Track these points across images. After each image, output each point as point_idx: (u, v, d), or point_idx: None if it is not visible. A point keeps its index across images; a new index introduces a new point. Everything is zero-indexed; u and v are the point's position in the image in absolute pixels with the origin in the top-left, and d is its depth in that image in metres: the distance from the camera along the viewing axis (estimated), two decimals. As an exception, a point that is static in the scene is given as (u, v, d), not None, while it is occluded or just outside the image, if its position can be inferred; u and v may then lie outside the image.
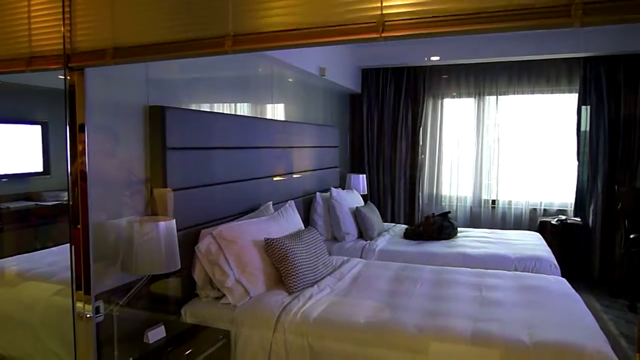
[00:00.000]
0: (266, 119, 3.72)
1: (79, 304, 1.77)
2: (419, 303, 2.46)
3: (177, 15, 1.35)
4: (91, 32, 1.47)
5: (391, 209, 5.83)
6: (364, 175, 5.48)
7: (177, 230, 2.15)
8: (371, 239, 4.13)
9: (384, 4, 1.12)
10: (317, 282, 2.68)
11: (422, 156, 5.74)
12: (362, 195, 5.01)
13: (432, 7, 1.09)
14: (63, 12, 1.48)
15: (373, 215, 4.41)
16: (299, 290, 2.53)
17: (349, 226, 4.13)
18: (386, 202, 5.79)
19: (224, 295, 2.42)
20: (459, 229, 4.54)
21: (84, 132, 1.69)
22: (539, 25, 1.10)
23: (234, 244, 2.51)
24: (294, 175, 3.99)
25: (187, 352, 2.09)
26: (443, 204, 5.72)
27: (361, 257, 3.66)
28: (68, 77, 1.56)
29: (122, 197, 2.26)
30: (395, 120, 5.71)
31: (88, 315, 1.76)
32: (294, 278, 2.54)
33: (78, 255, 1.75)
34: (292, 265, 2.56)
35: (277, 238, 2.67)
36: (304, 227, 3.23)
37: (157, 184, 2.38)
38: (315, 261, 2.77)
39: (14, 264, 2.61)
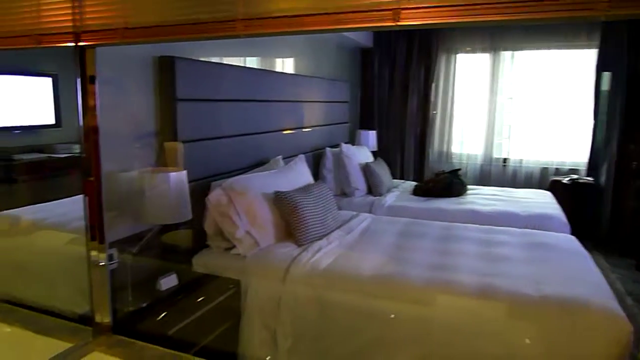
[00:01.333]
0: (276, 71, 3.66)
1: (94, 252, 1.80)
2: (426, 257, 2.48)
3: None
4: (102, 10, 1.42)
5: (400, 165, 5.80)
6: (374, 132, 5.43)
7: (188, 182, 2.16)
8: (380, 195, 4.13)
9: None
10: (326, 235, 2.71)
11: (434, 112, 5.66)
12: (371, 152, 4.98)
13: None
14: None
15: (382, 171, 4.39)
16: (307, 243, 2.56)
17: (359, 182, 4.13)
18: (396, 158, 5.76)
19: (234, 246, 2.46)
20: (468, 186, 4.53)
21: (94, 84, 1.67)
22: (566, 17, 1.02)
23: (244, 196, 2.52)
24: (304, 130, 3.96)
25: (199, 300, 2.14)
26: (453, 161, 5.68)
27: (370, 213, 3.68)
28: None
29: (133, 149, 2.26)
30: (406, 76, 5.60)
31: (102, 263, 1.80)
32: (303, 231, 2.57)
33: (91, 206, 1.77)
34: (301, 218, 2.58)
35: (286, 191, 2.67)
36: (313, 181, 3.23)
37: (167, 136, 2.37)
38: (325, 215, 2.78)
39: (27, 213, 2.65)
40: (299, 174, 3.12)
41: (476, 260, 2.47)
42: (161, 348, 1.59)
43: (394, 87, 5.67)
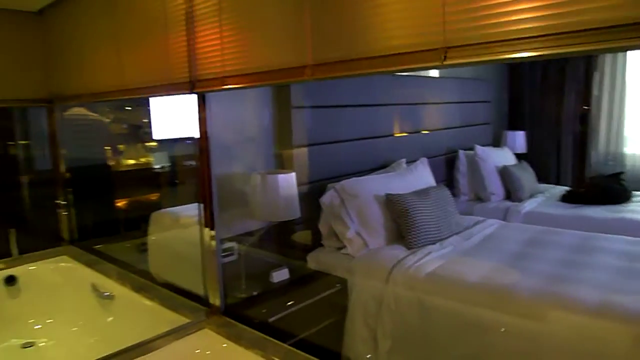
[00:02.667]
0: (403, 75, 3.67)
1: (210, 245, 2.08)
2: (547, 268, 2.27)
3: (263, 49, 1.48)
4: (208, 64, 1.68)
5: (556, 168, 5.26)
6: (522, 132, 5.03)
7: (305, 184, 2.34)
8: (520, 201, 3.83)
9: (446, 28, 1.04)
10: (440, 240, 2.65)
11: (597, 108, 5.00)
12: (520, 154, 4.63)
13: (501, 30, 0.96)
14: (188, 49, 1.73)
15: (524, 174, 4.07)
16: (418, 247, 2.54)
17: (495, 186, 3.89)
18: (549, 161, 5.25)
19: (345, 245, 2.56)
20: (635, 192, 3.92)
21: (205, 108, 1.93)
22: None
23: (356, 198, 2.61)
24: (433, 132, 3.89)
25: (306, 294, 2.29)
26: (626, 164, 4.93)
27: (504, 219, 3.45)
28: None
29: (252, 154, 2.53)
30: (561, 68, 5.05)
31: (223, 255, 2.07)
32: (414, 234, 2.55)
33: (205, 206, 2.04)
34: (412, 221, 2.57)
35: (398, 194, 2.69)
36: (435, 185, 3.17)
37: (284, 142, 2.59)
38: (441, 219, 2.72)
39: (185, 211, 3.13)
40: (418, 177, 3.09)
41: (608, 274, 2.17)
42: (260, 333, 1.77)
43: (546, 82, 5.18)
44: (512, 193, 3.92)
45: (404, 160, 3.26)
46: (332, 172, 2.83)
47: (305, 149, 2.66)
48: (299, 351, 1.64)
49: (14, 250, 2.67)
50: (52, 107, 2.80)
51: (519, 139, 4.97)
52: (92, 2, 2.24)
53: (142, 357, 1.66)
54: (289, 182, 2.27)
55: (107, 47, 2.19)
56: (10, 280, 2.52)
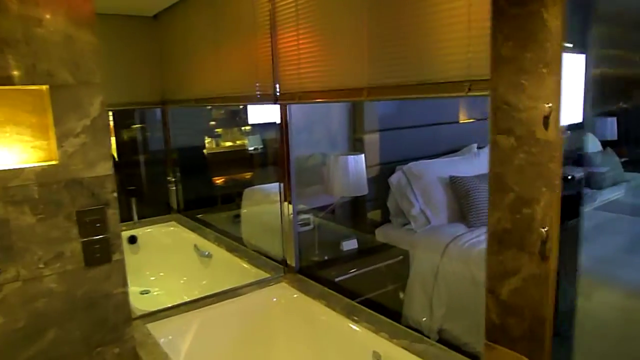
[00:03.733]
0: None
1: (290, 217, 2.45)
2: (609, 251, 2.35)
3: (330, 73, 1.80)
4: (288, 81, 2.04)
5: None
6: (614, 118, 4.84)
7: (375, 166, 2.63)
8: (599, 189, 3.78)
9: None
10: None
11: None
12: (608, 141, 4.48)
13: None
14: (273, 69, 2.09)
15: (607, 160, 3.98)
16: (477, 226, 2.72)
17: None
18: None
19: (409, 222, 2.82)
20: None
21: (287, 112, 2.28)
22: None
23: (421, 179, 2.85)
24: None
25: (371, 260, 2.60)
26: None
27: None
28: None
29: (328, 138, 2.86)
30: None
31: (300, 224, 2.44)
32: (473, 213, 2.74)
33: (287, 183, 2.40)
34: (473, 202, 2.76)
35: (462, 176, 2.88)
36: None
37: (356, 127, 2.89)
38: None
39: (274, 188, 3.55)
40: (485, 162, 3.22)
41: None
42: (326, 288, 2.12)
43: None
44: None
45: (474, 145, 3.41)
46: (402, 155, 3.07)
47: (376, 134, 2.94)
48: (355, 303, 1.96)
49: (135, 216, 3.26)
50: (166, 108, 3.35)
51: (609, 125, 4.79)
52: (200, 8, 2.67)
53: (233, 299, 2.08)
54: (358, 162, 2.58)
55: (208, 53, 2.64)
56: (133, 240, 3.10)
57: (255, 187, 3.52)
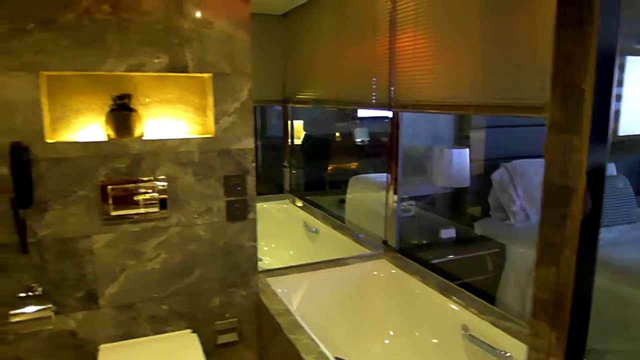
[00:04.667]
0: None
1: (392, 203, 2.67)
2: None
3: (437, 87, 1.98)
4: (402, 90, 2.26)
5: None
6: None
7: (480, 161, 2.77)
8: None
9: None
10: (606, 226, 2.78)
11: None
12: None
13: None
14: (389, 77, 2.32)
15: None
16: (579, 227, 2.73)
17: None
18: None
19: (509, 217, 2.90)
20: None
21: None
22: None
23: (524, 177, 2.91)
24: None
25: (467, 250, 2.74)
26: None
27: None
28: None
29: (435, 132, 3.04)
30: None
31: (405, 210, 2.66)
32: (577, 215, 2.75)
33: (394, 174, 2.62)
34: (577, 203, 2.76)
35: (567, 177, 2.89)
36: (614, 174, 3.21)
37: (463, 123, 3.02)
38: (609, 206, 2.83)
39: (378, 178, 3.81)
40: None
41: None
42: (422, 267, 2.33)
43: None
44: None
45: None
46: (506, 153, 3.15)
47: (482, 131, 3.05)
48: (448, 282, 2.14)
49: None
50: (286, 106, 3.74)
51: None
52: (326, 9, 2.98)
53: (338, 267, 2.37)
54: (462, 156, 2.73)
55: (330, 55, 2.92)
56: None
57: (361, 175, 3.79)
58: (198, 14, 1.74)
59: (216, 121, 1.84)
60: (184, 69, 1.76)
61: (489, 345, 1.73)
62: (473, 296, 1.99)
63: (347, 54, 2.72)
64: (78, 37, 1.61)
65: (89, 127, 1.78)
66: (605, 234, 2.68)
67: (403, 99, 2.27)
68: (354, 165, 4.59)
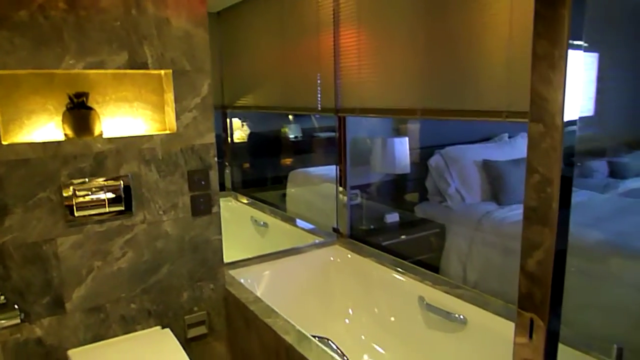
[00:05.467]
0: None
1: (341, 195, 2.81)
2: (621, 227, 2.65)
3: (385, 94, 2.11)
4: (348, 96, 2.39)
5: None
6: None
7: (416, 149, 2.96)
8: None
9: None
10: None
11: None
12: None
13: None
14: (335, 84, 2.45)
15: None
16: (508, 204, 3.04)
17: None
18: None
19: (446, 200, 3.15)
20: None
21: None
22: None
23: (457, 162, 3.18)
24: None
25: (411, 231, 2.95)
26: None
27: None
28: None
29: (375, 125, 3.21)
30: None
31: (345, 201, 2.80)
32: (504, 193, 3.06)
33: (343, 165, 2.75)
34: (504, 183, 3.07)
35: (494, 160, 3.19)
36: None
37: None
38: (532, 183, 3.17)
39: (317, 171, 3.94)
40: (516, 149, 3.53)
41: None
42: (375, 249, 2.48)
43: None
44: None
45: (506, 134, 3.71)
46: (439, 141, 3.41)
47: (417, 123, 3.28)
48: (401, 260, 2.31)
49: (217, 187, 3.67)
50: (225, 111, 3.75)
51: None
52: (264, 7, 3.03)
53: (295, 255, 2.46)
54: (402, 144, 2.92)
55: (272, 61, 2.96)
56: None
57: (299, 170, 3.91)
58: (156, 11, 1.76)
59: (177, 117, 1.86)
60: (144, 66, 1.77)
61: (445, 311, 1.91)
62: (426, 270, 2.17)
63: (289, 56, 2.80)
64: (33, 35, 1.56)
65: (43, 127, 1.74)
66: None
67: (349, 105, 2.40)
68: (289, 160, 4.69)
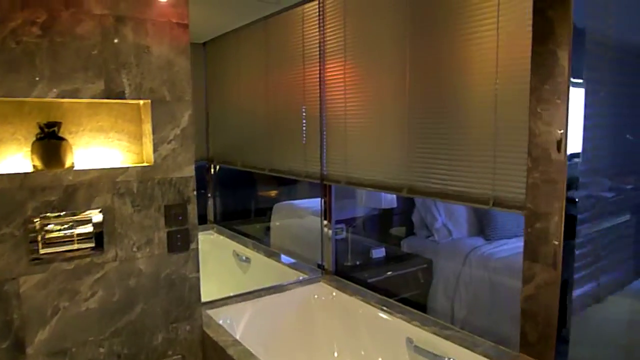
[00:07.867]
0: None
1: (326, 229, 2.73)
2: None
3: (373, 168, 2.10)
4: (334, 167, 2.42)
5: None
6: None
7: None
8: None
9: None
10: (518, 236, 3.06)
11: None
12: None
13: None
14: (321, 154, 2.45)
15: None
16: (495, 240, 2.99)
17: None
18: None
19: (433, 234, 3.09)
20: None
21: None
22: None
23: (444, 196, 3.13)
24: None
25: (398, 267, 2.87)
26: None
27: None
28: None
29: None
30: None
31: (330, 235, 2.72)
32: (491, 228, 3.01)
33: (326, 201, 2.69)
34: (490, 218, 3.03)
35: (481, 194, 3.16)
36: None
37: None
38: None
39: (301, 204, 3.86)
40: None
41: None
42: (360, 286, 2.39)
43: None
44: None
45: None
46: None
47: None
48: (387, 298, 2.22)
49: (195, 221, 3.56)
50: (210, 164, 3.72)
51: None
52: (249, 43, 3.01)
53: (278, 293, 2.35)
54: (388, 178, 2.87)
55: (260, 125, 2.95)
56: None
57: (284, 202, 3.82)
58: (136, 39, 1.70)
59: (155, 149, 1.78)
60: (121, 95, 1.69)
61: (433, 354, 1.81)
62: (413, 310, 2.08)
63: (279, 121, 2.82)
64: (3, 60, 1.49)
65: (11, 157, 1.64)
66: (518, 243, 2.95)
67: (335, 175, 2.42)
68: (274, 192, 4.60)
